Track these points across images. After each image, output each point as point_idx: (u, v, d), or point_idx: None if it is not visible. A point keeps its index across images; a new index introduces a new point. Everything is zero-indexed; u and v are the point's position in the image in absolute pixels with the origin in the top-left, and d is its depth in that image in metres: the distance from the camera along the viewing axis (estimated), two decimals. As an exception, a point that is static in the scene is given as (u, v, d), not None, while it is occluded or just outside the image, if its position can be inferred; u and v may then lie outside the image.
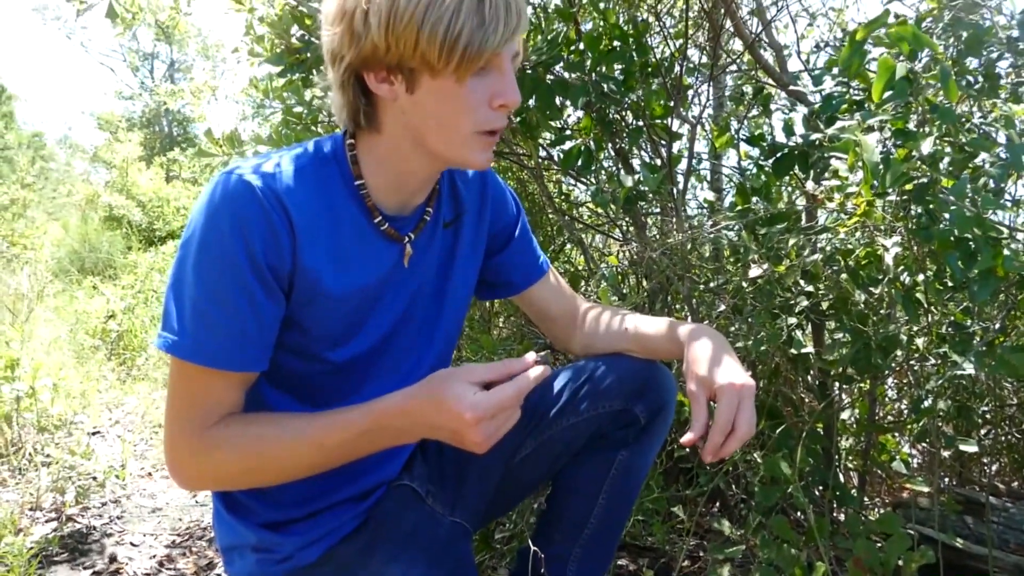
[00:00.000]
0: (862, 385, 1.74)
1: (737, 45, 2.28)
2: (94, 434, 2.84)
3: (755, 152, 1.68)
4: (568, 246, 2.62)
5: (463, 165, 0.94)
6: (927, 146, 1.09)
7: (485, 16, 0.78)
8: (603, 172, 2.05)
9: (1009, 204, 1.43)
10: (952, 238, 1.13)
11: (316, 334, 0.93)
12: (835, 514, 1.65)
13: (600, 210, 2.28)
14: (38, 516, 2.03)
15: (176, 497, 2.29)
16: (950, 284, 1.29)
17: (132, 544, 1.93)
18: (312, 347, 0.94)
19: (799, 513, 1.64)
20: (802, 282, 1.52)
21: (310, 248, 0.88)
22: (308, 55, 2.00)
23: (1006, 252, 1.08)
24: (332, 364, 0.96)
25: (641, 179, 1.64)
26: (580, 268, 2.53)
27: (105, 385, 3.54)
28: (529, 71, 1.68)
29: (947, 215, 1.14)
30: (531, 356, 0.85)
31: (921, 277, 1.32)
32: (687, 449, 1.72)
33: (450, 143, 0.88)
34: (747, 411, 0.93)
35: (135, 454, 2.65)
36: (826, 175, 1.40)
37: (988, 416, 1.74)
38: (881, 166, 1.09)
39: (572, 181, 2.43)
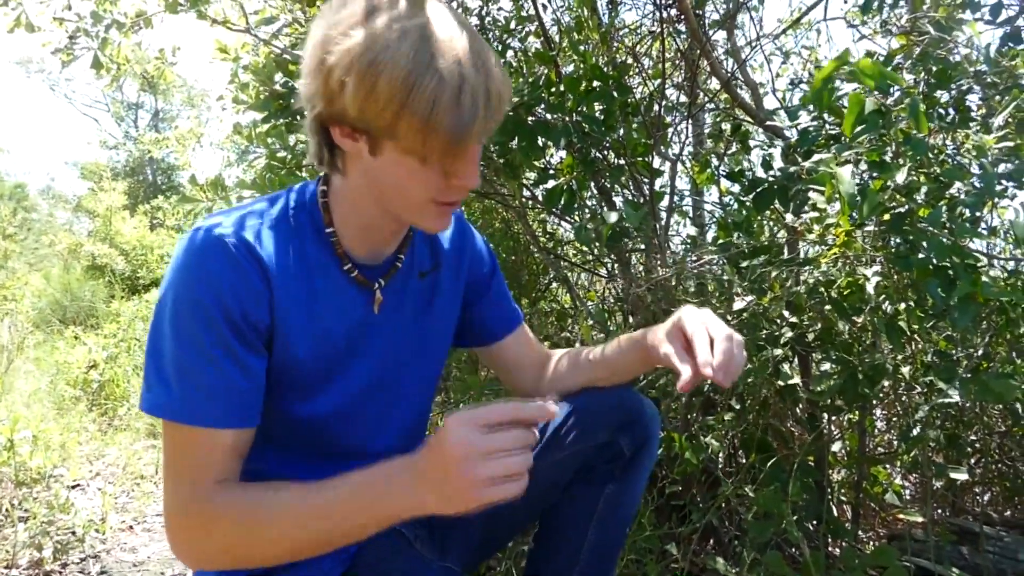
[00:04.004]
0: (851, 416, 1.74)
1: (714, 84, 2.33)
2: (74, 487, 2.77)
3: (735, 187, 1.70)
4: (554, 284, 2.63)
5: (419, 227, 0.94)
6: (901, 177, 1.11)
7: (464, 107, 0.75)
8: (586, 210, 2.07)
9: (985, 232, 1.45)
10: (931, 266, 1.14)
11: (285, 384, 0.91)
12: (830, 548, 1.63)
13: (585, 248, 2.30)
14: (15, 574, 1.97)
15: (158, 551, 2.22)
16: (931, 312, 1.30)
17: (112, 600, 1.87)
18: (278, 400, 0.92)
19: (793, 548, 1.62)
20: (786, 313, 1.53)
21: (285, 298, 0.87)
22: (292, 101, 2.03)
23: (984, 279, 1.09)
24: (311, 416, 0.95)
25: (624, 216, 1.66)
26: (566, 306, 2.54)
27: (86, 436, 3.46)
28: (511, 113, 1.70)
29: (925, 244, 1.16)
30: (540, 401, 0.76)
31: (903, 305, 1.33)
32: (679, 486, 1.70)
33: (406, 208, 0.88)
34: (716, 320, 0.93)
35: (116, 507, 2.58)
36: (805, 208, 1.42)
37: (977, 445, 1.74)
38: (858, 197, 1.10)
39: (556, 220, 2.45)
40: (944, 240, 1.13)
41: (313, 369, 0.93)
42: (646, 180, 1.96)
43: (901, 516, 1.59)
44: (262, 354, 0.87)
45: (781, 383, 1.51)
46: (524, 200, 2.17)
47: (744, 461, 1.68)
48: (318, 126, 0.84)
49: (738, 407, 1.71)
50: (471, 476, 0.71)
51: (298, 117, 1.99)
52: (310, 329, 0.91)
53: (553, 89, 1.81)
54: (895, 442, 1.81)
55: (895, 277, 1.31)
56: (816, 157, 1.24)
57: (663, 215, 2.05)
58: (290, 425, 0.94)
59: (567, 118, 1.74)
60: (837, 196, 1.13)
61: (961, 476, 1.32)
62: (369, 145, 0.81)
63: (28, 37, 2.22)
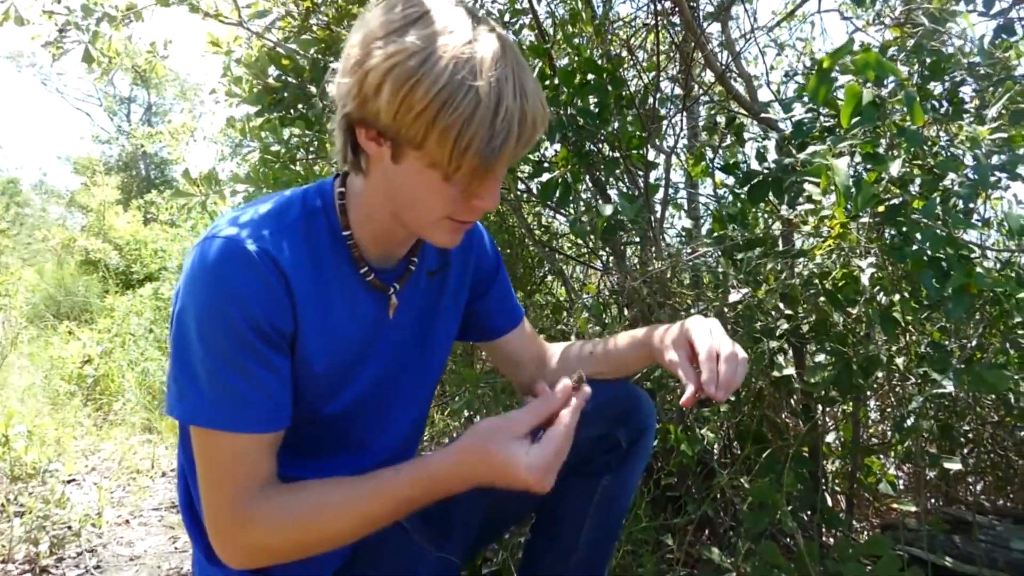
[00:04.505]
0: (845, 407, 1.75)
1: (709, 76, 2.33)
2: (69, 482, 2.77)
3: (730, 180, 1.71)
4: (549, 278, 2.63)
5: (428, 240, 0.92)
6: (896, 168, 1.11)
7: (496, 129, 0.75)
8: (581, 203, 2.07)
9: (979, 223, 1.46)
10: (925, 257, 1.15)
11: (302, 389, 0.92)
12: (824, 538, 1.64)
13: (580, 241, 2.30)
14: (11, 569, 1.96)
15: (154, 544, 2.23)
16: (925, 303, 1.31)
17: (109, 595, 1.87)
18: (299, 402, 0.92)
19: (788, 538, 1.63)
20: (781, 305, 1.53)
21: (305, 305, 0.87)
22: (285, 94, 2.02)
23: (978, 270, 1.10)
24: (322, 416, 0.95)
25: (619, 209, 1.66)
26: (562, 299, 2.54)
27: (81, 432, 3.45)
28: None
29: (919, 235, 1.16)
30: (566, 382, 0.85)
31: (897, 297, 1.33)
32: (675, 478, 1.71)
33: (419, 220, 0.87)
34: (723, 335, 0.95)
35: (112, 501, 2.58)
36: (800, 200, 1.43)
37: (970, 435, 1.75)
38: (853, 189, 1.11)
39: (552, 213, 2.45)
40: (938, 231, 1.13)
41: (328, 375, 0.93)
42: (641, 173, 1.96)
43: (895, 506, 1.61)
44: (288, 355, 0.87)
45: (776, 374, 1.52)
46: (519, 193, 2.17)
47: (739, 452, 1.69)
48: (346, 125, 0.83)
49: (733, 399, 1.72)
50: (544, 488, 0.80)
51: (291, 111, 1.98)
52: (327, 336, 0.91)
53: (547, 82, 1.81)
54: (889, 432, 1.82)
55: (889, 268, 1.31)
56: (811, 149, 1.24)
57: (658, 208, 2.05)
58: (299, 425, 0.94)
59: (561, 111, 1.74)
60: (832, 188, 1.14)
61: (954, 466, 1.33)
62: (392, 151, 0.81)
63: (18, 31, 2.20)
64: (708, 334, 0.95)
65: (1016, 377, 1.29)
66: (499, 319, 1.18)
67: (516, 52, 0.79)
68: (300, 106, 2.04)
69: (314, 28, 2.15)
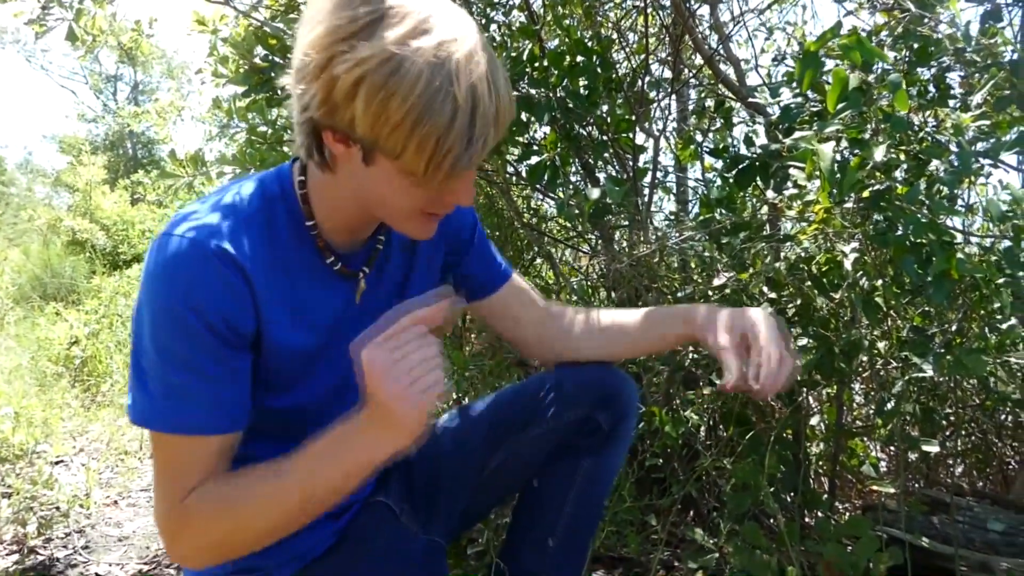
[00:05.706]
0: (829, 391, 1.77)
1: (698, 60, 2.32)
2: (57, 463, 2.76)
3: (718, 164, 1.71)
4: (538, 261, 2.63)
5: (402, 232, 0.90)
6: (880, 154, 1.12)
7: (475, 133, 0.73)
8: (570, 186, 2.07)
9: (961, 210, 1.47)
10: (908, 243, 1.16)
11: (267, 382, 0.89)
12: (807, 519, 1.67)
13: (568, 224, 2.30)
14: (-2, 549, 1.97)
15: (143, 525, 2.23)
16: (908, 288, 1.32)
17: (98, 574, 1.88)
18: (259, 396, 0.90)
19: (771, 519, 1.66)
20: (766, 289, 1.54)
21: (267, 300, 0.85)
22: (272, 75, 2.00)
23: (959, 256, 1.11)
24: (277, 408, 0.93)
25: (606, 192, 1.66)
26: (550, 282, 2.54)
27: (69, 413, 3.45)
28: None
29: (903, 221, 1.17)
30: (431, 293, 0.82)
31: (880, 282, 1.34)
32: (660, 459, 1.73)
33: (390, 216, 0.86)
34: (780, 337, 0.96)
35: (100, 482, 2.58)
36: (787, 184, 1.43)
37: (951, 419, 1.77)
38: (837, 174, 1.11)
39: (540, 196, 2.45)
40: (921, 218, 1.14)
41: (296, 365, 0.91)
42: (629, 156, 1.96)
43: (875, 487, 1.63)
44: (248, 356, 0.85)
45: (760, 358, 1.53)
46: (507, 176, 2.17)
47: (723, 434, 1.71)
48: (311, 129, 0.79)
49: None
50: (397, 388, 0.75)
51: (279, 91, 1.96)
52: (293, 328, 0.88)
53: (537, 64, 1.80)
54: (872, 415, 1.84)
55: (873, 254, 1.32)
56: (797, 134, 1.24)
57: (646, 191, 2.06)
58: (268, 415, 0.92)
59: (551, 93, 1.73)
60: (817, 173, 1.14)
61: (933, 449, 1.35)
62: (363, 155, 0.78)
63: (1, 7, 2.17)
64: (771, 329, 0.96)
65: (995, 362, 1.31)
66: (484, 279, 1.14)
67: (485, 42, 0.76)
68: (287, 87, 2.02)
69: (301, 7, 2.13)
